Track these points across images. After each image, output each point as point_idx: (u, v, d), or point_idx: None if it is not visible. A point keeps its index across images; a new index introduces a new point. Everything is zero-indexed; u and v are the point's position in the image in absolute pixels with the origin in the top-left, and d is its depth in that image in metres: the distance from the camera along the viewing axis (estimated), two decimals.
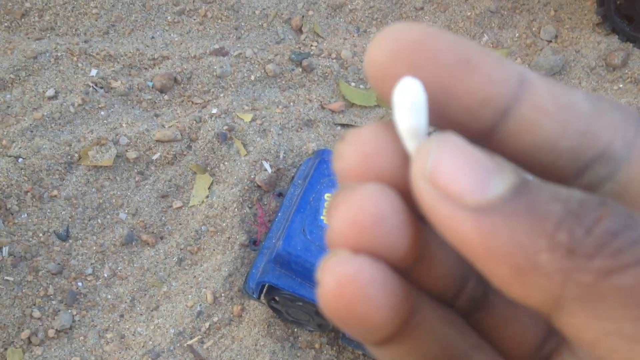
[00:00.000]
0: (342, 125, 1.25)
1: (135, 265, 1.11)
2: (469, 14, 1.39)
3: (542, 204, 0.15)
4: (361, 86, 1.30)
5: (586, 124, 0.17)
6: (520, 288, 0.15)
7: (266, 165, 1.16)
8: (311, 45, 1.35)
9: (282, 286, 0.94)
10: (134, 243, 1.13)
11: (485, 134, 0.17)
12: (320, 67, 1.30)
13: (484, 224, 0.15)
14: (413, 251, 0.17)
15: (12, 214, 1.09)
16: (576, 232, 0.14)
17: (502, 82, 0.16)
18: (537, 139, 0.17)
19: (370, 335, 0.17)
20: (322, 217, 0.95)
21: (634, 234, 0.14)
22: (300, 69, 1.30)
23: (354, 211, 0.17)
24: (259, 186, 1.15)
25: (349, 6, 1.41)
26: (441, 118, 0.17)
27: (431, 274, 0.19)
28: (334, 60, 1.32)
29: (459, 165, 0.16)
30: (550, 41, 1.37)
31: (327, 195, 0.97)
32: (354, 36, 1.38)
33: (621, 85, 1.30)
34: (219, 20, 1.37)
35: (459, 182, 0.15)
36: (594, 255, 0.14)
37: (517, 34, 1.38)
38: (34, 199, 1.11)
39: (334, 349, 1.05)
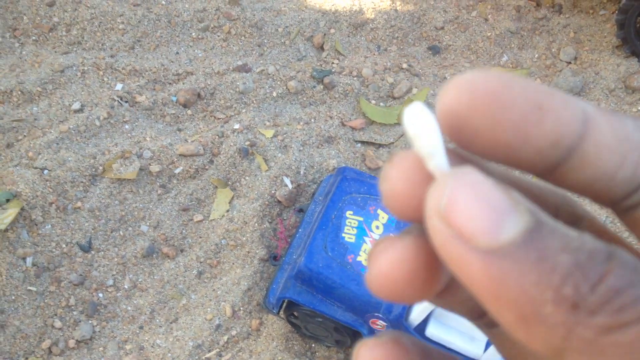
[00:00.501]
0: (363, 142, 1.26)
1: (155, 277, 1.12)
2: (489, 34, 1.41)
3: (552, 253, 0.16)
4: (381, 104, 1.32)
5: None
6: (525, 334, 0.16)
7: (287, 180, 1.17)
8: (332, 63, 1.37)
9: (302, 302, 0.94)
10: (154, 255, 1.14)
11: (550, 171, 0.18)
12: (341, 84, 1.31)
13: (494, 268, 0.16)
14: (437, 290, 0.19)
15: (37, 225, 1.11)
16: (581, 287, 0.15)
17: (570, 123, 0.17)
18: (597, 172, 0.18)
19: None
20: (343, 235, 0.96)
21: (637, 292, 0.15)
22: (321, 86, 1.32)
23: (390, 266, 0.18)
24: (279, 201, 1.16)
25: (370, 25, 1.42)
26: (512, 160, 0.18)
27: (457, 299, 0.21)
28: (355, 78, 1.33)
29: (474, 205, 0.16)
30: (570, 62, 1.38)
31: (348, 213, 0.98)
32: (374, 54, 1.39)
33: None
34: (243, 37, 1.39)
35: (472, 222, 0.16)
36: (597, 311, 0.15)
37: (536, 55, 1.39)
38: (58, 211, 1.13)
39: None
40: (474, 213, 0.16)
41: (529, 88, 0.17)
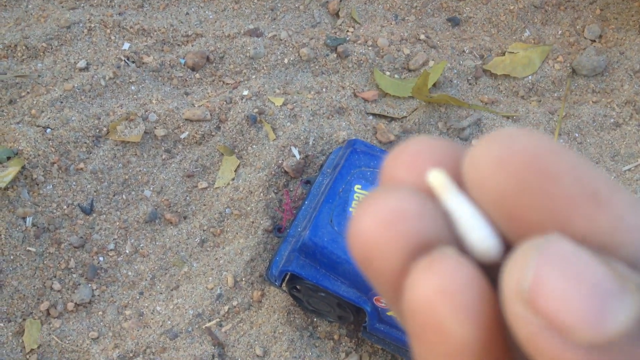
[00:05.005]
0: (375, 115, 1.22)
1: (157, 243, 1.10)
2: (512, 7, 1.35)
3: None
4: (396, 76, 1.28)
5: None
6: None
7: (295, 151, 1.14)
8: (347, 31, 1.32)
9: (305, 276, 0.92)
10: (157, 221, 1.12)
11: None
12: (355, 54, 1.27)
13: None
14: None
15: (38, 185, 1.09)
16: None
17: (636, 230, 0.14)
18: None
19: None
20: (350, 209, 0.93)
21: None
22: (334, 55, 1.28)
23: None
24: (286, 172, 1.14)
25: None
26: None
27: None
28: (370, 48, 1.29)
29: (568, 286, 0.13)
30: (594, 41, 1.33)
31: (357, 187, 0.95)
32: (391, 24, 1.34)
33: None
34: (255, 0, 1.35)
35: (568, 309, 0.12)
36: None
37: (560, 32, 1.34)
38: (60, 171, 1.10)
39: (353, 341, 1.04)
40: (569, 297, 0.12)
41: (583, 167, 0.14)
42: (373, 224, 0.14)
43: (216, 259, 1.08)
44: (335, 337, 1.04)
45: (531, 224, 0.14)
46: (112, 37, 1.25)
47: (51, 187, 1.09)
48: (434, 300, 0.13)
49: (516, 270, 0.13)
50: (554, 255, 0.13)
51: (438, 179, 0.15)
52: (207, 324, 1.03)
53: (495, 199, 0.14)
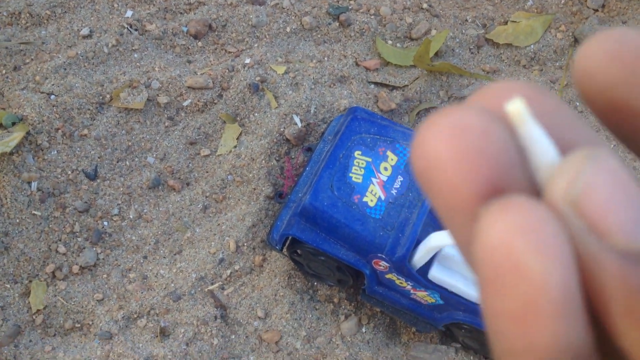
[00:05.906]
0: (376, 83, 1.23)
1: (160, 209, 1.12)
2: None
3: None
4: (398, 44, 1.28)
5: None
6: None
7: (296, 119, 1.15)
8: (350, 0, 1.32)
9: (305, 240, 0.94)
10: (160, 187, 1.14)
11: None
12: (357, 22, 1.27)
13: (632, 273, 0.13)
14: None
15: (42, 150, 1.10)
16: None
17: None
18: None
19: None
20: (350, 175, 0.94)
21: None
22: (337, 24, 1.28)
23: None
24: (287, 140, 1.15)
25: None
26: None
27: None
28: (372, 17, 1.28)
29: (614, 196, 0.13)
30: (597, 10, 1.32)
31: (357, 153, 0.96)
32: None
33: None
34: None
35: (610, 216, 0.13)
36: None
37: (563, 1, 1.34)
38: (65, 137, 1.12)
39: (352, 304, 1.06)
40: (614, 206, 0.13)
41: None
42: (437, 138, 0.14)
43: (218, 224, 1.10)
44: (335, 300, 1.06)
45: (635, 113, 0.14)
46: (115, 5, 1.26)
47: (56, 152, 1.11)
48: (511, 239, 0.13)
49: (568, 175, 0.14)
50: (604, 168, 0.14)
51: (517, 107, 0.15)
52: (210, 287, 1.05)
53: (604, 89, 0.15)
